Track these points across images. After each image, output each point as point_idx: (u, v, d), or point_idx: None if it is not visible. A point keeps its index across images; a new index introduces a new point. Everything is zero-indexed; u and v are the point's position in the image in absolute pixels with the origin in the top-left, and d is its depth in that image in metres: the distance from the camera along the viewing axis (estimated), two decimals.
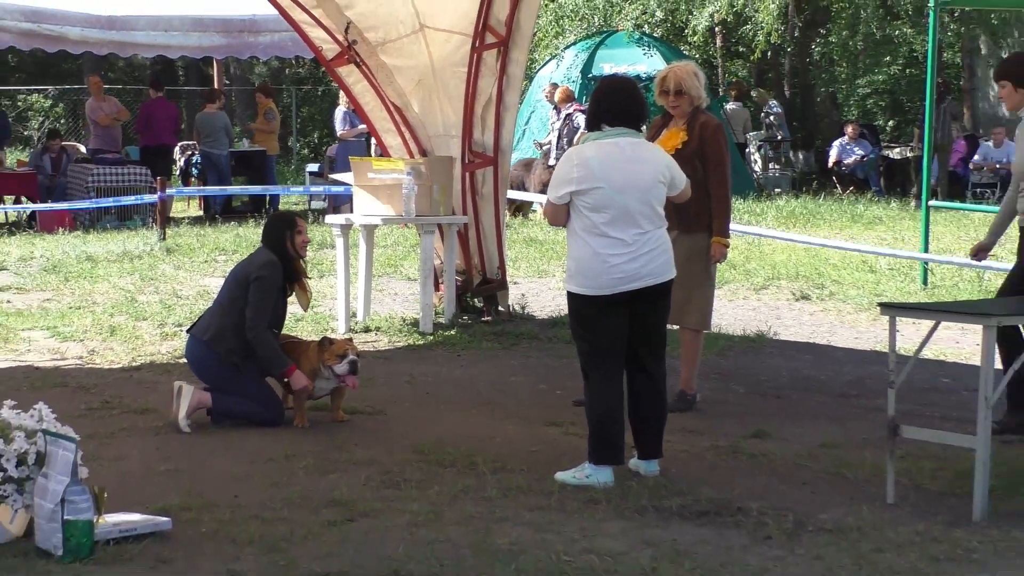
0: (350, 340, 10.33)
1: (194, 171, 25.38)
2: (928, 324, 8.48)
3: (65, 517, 6.74)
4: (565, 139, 22.60)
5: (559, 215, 8.36)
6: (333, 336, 10.60)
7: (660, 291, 8.33)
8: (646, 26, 31.31)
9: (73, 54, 25.75)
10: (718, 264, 10.27)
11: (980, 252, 9.92)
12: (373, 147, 21.17)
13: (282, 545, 7.04)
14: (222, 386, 9.70)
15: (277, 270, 9.74)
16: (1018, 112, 9.58)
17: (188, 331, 10.09)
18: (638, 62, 27.14)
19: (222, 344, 9.68)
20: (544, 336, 13.15)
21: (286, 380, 9.69)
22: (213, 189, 23.34)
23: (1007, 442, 9.02)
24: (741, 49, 34.51)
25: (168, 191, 21.06)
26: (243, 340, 9.62)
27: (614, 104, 8.36)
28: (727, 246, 10.11)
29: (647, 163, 8.30)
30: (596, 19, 32.07)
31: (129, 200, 21.61)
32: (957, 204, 22.90)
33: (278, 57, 25.85)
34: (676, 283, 8.48)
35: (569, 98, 23.88)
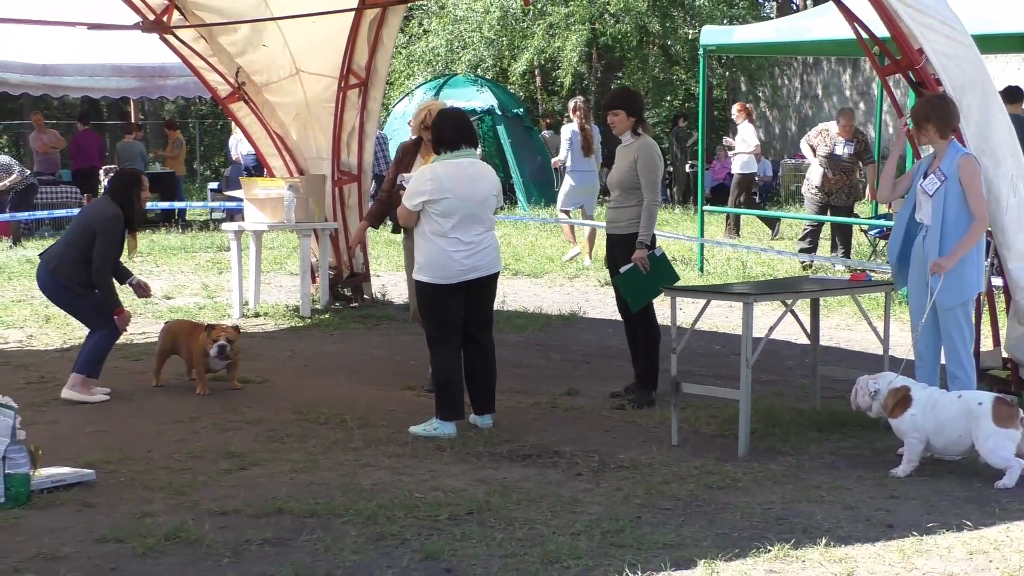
0: (233, 328, 9.85)
1: None
2: (702, 302, 8.56)
3: (6, 471, 6.61)
4: None
5: (411, 218, 8.35)
6: (219, 323, 10.14)
7: (490, 280, 8.43)
8: (479, 69, 31.34)
9: (13, 95, 25.08)
10: None
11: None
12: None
13: (187, 490, 6.93)
14: (67, 308, 9.46)
15: (119, 223, 9.26)
16: (622, 136, 9.16)
17: (40, 255, 9.62)
18: (474, 99, 27.16)
19: (63, 272, 9.24)
20: (400, 318, 13.07)
21: (116, 320, 9.28)
22: None
23: (618, 406, 9.09)
24: (556, 87, 34.62)
25: None
26: (82, 272, 9.19)
27: (450, 131, 8.34)
28: None
29: (484, 179, 8.36)
30: (439, 64, 32.04)
31: (61, 213, 21.10)
32: (726, 209, 23.17)
33: (183, 96, 25.39)
34: None
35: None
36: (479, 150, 8.48)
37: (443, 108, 8.96)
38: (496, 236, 8.52)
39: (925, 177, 7.81)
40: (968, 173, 7.71)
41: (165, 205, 22.61)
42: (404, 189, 8.72)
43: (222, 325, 9.87)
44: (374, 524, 6.30)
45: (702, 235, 17.06)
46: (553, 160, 19.65)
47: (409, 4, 14.82)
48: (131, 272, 9.65)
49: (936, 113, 7.79)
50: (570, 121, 18.00)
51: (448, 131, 8.35)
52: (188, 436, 8.26)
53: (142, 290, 9.63)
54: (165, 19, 13.35)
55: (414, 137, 9.84)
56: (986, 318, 9.17)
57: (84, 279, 9.24)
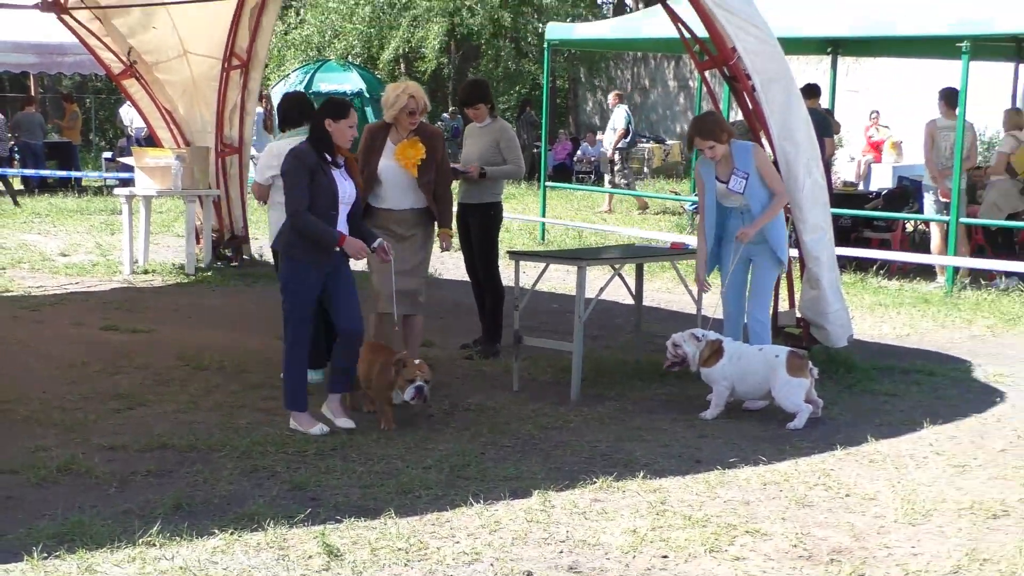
0: (422, 363, 7.11)
1: (16, 156, 24.07)
2: (541, 266, 8.62)
3: None
4: None
5: (264, 192, 8.21)
6: (406, 355, 7.26)
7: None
8: (350, 56, 30.97)
9: None
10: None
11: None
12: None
13: (78, 428, 6.81)
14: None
15: (302, 156, 6.77)
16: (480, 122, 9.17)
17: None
18: (345, 82, 26.88)
19: (280, 240, 7.07)
20: (276, 277, 12.92)
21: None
22: (30, 171, 22.16)
23: (467, 356, 9.10)
24: (419, 74, 34.39)
25: None
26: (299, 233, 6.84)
27: (296, 112, 8.29)
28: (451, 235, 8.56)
29: None
30: (311, 51, 31.63)
31: None
32: (565, 185, 23.37)
33: (79, 72, 24.61)
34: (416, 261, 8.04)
35: None
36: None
37: (287, 92, 8.80)
38: None
39: (725, 181, 7.89)
40: (763, 160, 7.92)
41: (62, 174, 22.02)
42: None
43: (412, 360, 7.14)
44: (248, 458, 6.26)
45: (544, 211, 17.15)
46: None
47: None
48: (376, 235, 7.13)
49: (724, 124, 7.94)
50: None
51: (294, 112, 8.31)
52: (80, 379, 8.08)
53: (384, 253, 7.07)
54: (63, 0, 12.98)
55: (384, 120, 8.21)
56: (784, 283, 9.39)
57: (306, 242, 6.88)
